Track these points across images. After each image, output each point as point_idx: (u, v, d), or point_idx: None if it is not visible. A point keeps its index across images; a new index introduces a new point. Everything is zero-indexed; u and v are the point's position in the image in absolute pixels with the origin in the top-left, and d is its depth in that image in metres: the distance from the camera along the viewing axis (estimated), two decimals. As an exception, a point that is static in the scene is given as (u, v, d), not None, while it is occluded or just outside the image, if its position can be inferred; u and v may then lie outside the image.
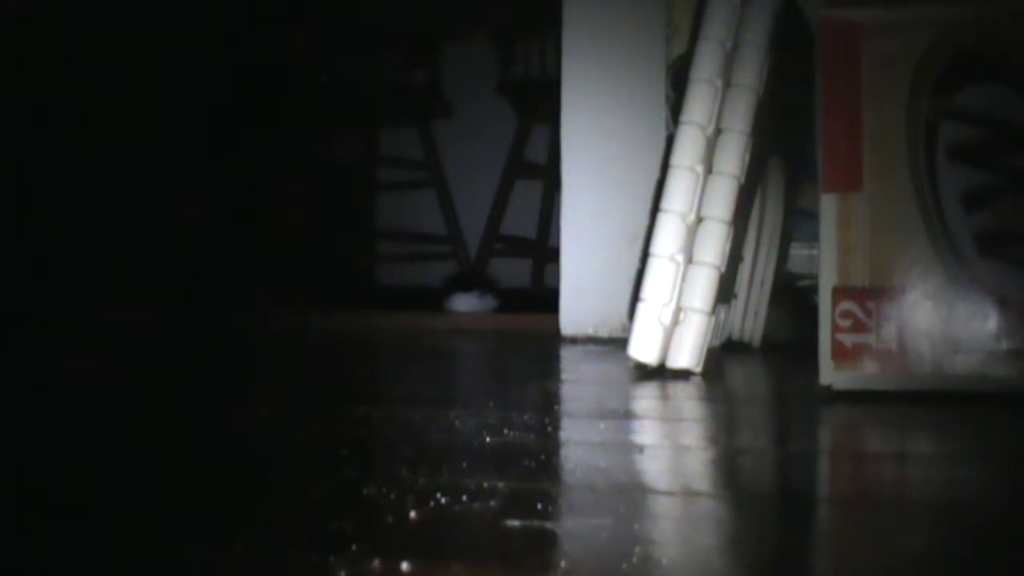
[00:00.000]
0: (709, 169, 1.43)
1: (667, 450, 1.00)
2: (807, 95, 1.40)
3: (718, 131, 1.43)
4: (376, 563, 0.58)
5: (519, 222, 3.51)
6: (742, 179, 1.43)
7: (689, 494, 0.81)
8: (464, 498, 0.73)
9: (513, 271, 3.51)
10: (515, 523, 0.68)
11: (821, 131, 1.28)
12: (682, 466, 0.93)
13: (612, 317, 2.07)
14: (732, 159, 1.42)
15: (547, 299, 2.26)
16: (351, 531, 0.65)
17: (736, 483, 0.88)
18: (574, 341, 2.05)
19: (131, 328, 1.84)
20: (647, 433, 1.11)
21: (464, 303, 2.62)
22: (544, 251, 3.42)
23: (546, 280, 3.35)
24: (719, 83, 1.44)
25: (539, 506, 0.74)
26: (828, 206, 1.26)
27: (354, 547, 0.61)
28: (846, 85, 1.27)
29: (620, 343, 1.92)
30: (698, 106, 1.44)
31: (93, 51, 2.46)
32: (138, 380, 1.28)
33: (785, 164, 1.75)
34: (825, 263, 1.26)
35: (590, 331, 2.09)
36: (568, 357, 1.82)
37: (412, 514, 0.69)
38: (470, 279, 3.06)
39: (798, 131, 1.73)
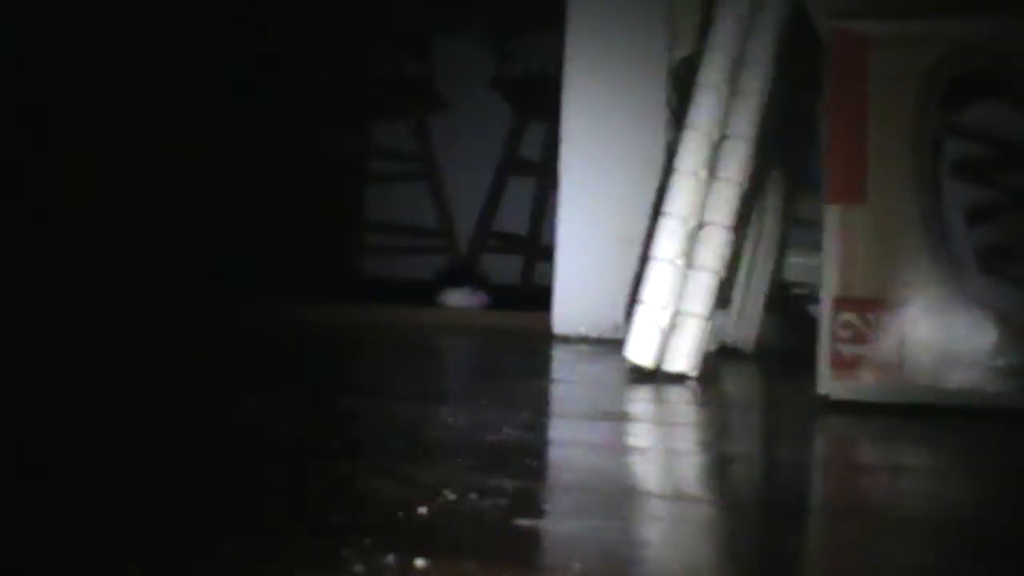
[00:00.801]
0: (712, 174, 1.44)
1: (668, 454, 1.00)
2: (809, 104, 1.40)
3: (723, 137, 1.44)
4: (391, 559, 0.58)
5: (510, 218, 3.51)
6: (745, 186, 1.44)
7: (693, 500, 0.82)
8: (473, 496, 0.73)
9: (502, 267, 3.51)
10: (524, 522, 0.69)
11: (826, 141, 1.28)
12: (683, 471, 0.94)
13: (605, 318, 2.07)
14: (736, 165, 1.43)
15: (537, 297, 2.26)
16: (363, 527, 0.65)
17: (744, 491, 0.89)
18: (566, 340, 2.05)
19: (131, 328, 1.82)
20: (648, 436, 1.11)
21: (455, 298, 2.62)
22: (535, 248, 3.42)
23: (535, 278, 3.35)
24: (725, 89, 1.45)
25: (546, 506, 0.74)
26: (831, 217, 1.27)
27: (368, 542, 0.61)
28: (853, 97, 1.28)
29: (612, 344, 1.93)
30: (703, 111, 1.44)
31: (94, 51, 2.44)
32: (138, 380, 1.27)
33: (784, 172, 1.76)
34: (826, 273, 1.26)
35: (582, 331, 2.09)
36: (561, 357, 1.82)
37: (422, 510, 0.69)
38: (462, 274, 3.05)
39: (798, 140, 1.74)
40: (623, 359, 1.46)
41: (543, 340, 2.05)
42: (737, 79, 1.44)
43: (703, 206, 1.43)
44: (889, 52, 1.28)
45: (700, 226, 1.43)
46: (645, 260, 1.45)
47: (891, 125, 1.27)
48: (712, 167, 1.43)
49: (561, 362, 1.77)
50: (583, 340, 2.06)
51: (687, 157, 1.43)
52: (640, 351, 1.43)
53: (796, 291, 1.88)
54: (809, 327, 1.29)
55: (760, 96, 1.45)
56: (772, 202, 1.75)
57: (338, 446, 0.93)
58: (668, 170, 1.47)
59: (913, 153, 1.26)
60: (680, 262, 1.43)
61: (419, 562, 0.58)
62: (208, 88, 2.84)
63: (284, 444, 0.93)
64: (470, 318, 2.52)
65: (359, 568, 0.57)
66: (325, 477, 0.80)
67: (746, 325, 1.80)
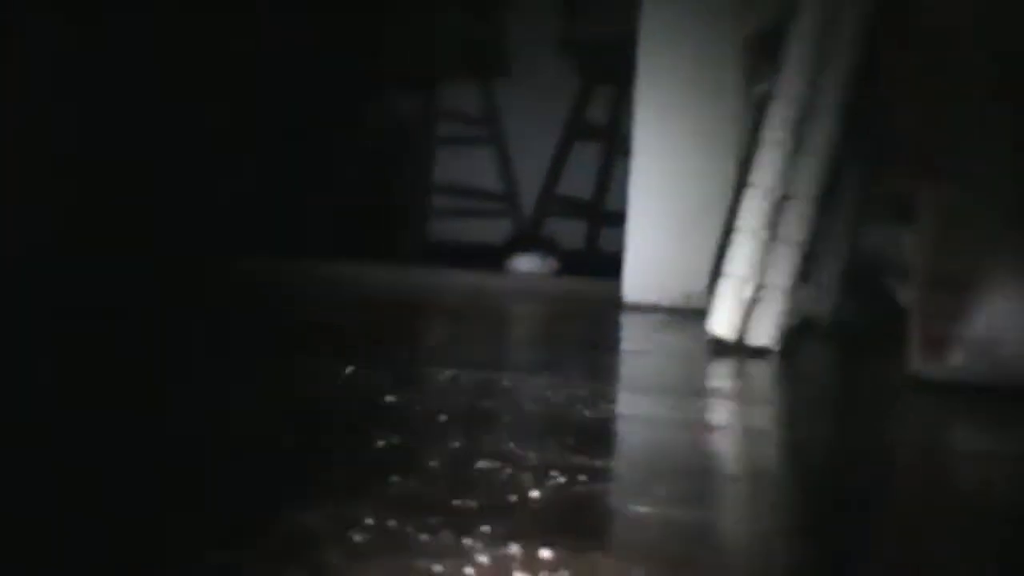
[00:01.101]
0: (798, 146, 1.41)
1: (755, 436, 1.00)
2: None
3: (810, 107, 1.41)
4: (514, 548, 0.58)
5: (575, 183, 3.49)
6: (831, 158, 1.42)
7: (798, 486, 0.81)
8: (582, 478, 0.73)
9: (566, 232, 3.49)
10: (640, 509, 0.68)
11: (917, 121, 1.26)
12: (778, 455, 0.93)
13: (675, 287, 2.06)
14: (822, 137, 1.41)
15: (602, 262, 2.25)
16: (480, 511, 0.65)
17: (860, 478, 0.88)
18: (637, 308, 2.04)
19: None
20: (742, 415, 1.10)
21: (526, 264, 2.61)
22: (600, 214, 3.40)
23: (600, 243, 3.33)
24: (814, 59, 1.42)
25: (656, 491, 0.74)
26: (923, 196, 1.25)
27: (487, 529, 0.61)
28: (943, 74, 1.25)
29: (685, 313, 1.92)
30: (791, 82, 1.42)
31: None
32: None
33: (869, 148, 1.73)
34: (918, 253, 1.24)
35: (654, 299, 2.07)
36: (637, 326, 1.81)
37: (534, 494, 0.69)
38: (532, 239, 3.04)
39: (884, 112, 1.71)
40: (700, 330, 1.45)
41: (615, 308, 2.04)
42: (826, 50, 1.42)
43: (788, 178, 1.41)
44: (978, 33, 1.25)
45: (785, 198, 1.42)
46: (728, 231, 1.44)
47: (985, 104, 1.25)
48: (798, 139, 1.41)
49: (639, 332, 1.76)
50: (655, 309, 2.04)
51: (773, 128, 1.41)
52: (723, 324, 1.42)
53: (877, 266, 1.85)
54: (887, 302, 1.27)
55: (848, 69, 1.42)
56: (854, 175, 1.72)
57: (442, 421, 0.93)
58: (748, 140, 1.45)
59: (1010, 134, 1.24)
60: (764, 234, 1.41)
61: (544, 553, 0.57)
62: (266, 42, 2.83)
63: (389, 420, 0.93)
64: (540, 284, 2.51)
65: (484, 559, 0.56)
66: (436, 456, 0.79)
67: (824, 299, 1.78)
